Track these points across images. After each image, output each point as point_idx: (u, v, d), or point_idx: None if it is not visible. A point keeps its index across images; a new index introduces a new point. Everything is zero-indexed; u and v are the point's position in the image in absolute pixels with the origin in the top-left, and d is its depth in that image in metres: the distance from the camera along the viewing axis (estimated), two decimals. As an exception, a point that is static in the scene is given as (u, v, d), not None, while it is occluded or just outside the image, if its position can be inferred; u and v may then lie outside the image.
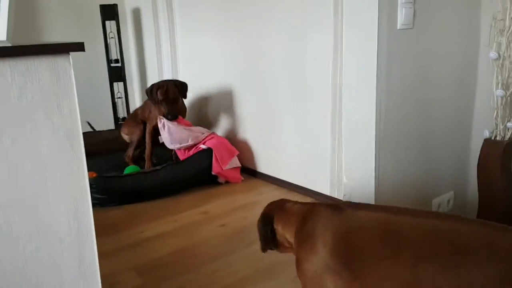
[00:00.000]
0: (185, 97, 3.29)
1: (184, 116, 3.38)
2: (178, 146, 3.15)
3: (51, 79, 1.07)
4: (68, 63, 1.08)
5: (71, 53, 1.09)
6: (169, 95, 3.09)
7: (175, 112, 3.15)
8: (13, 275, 1.10)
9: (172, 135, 3.14)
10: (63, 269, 1.17)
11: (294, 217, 1.27)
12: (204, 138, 3.18)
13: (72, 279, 1.19)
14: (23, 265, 1.11)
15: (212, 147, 3.09)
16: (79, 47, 1.07)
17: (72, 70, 1.09)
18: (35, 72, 1.06)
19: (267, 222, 1.33)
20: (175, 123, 3.14)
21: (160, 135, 3.29)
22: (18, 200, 1.08)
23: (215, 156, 3.05)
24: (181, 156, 3.23)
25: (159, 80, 3.32)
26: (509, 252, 0.80)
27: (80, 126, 1.14)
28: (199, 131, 3.23)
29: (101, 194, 2.75)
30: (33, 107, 1.06)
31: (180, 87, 3.19)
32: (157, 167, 3.04)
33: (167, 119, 3.13)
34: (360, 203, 1.21)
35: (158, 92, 3.10)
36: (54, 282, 1.16)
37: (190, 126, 3.26)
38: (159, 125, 3.18)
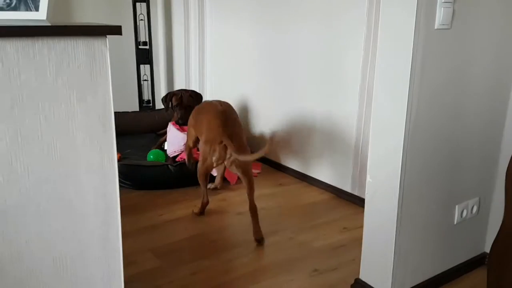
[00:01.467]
0: None
1: None
2: (173, 154, 3.14)
3: (87, 60, 1.08)
4: (104, 45, 1.09)
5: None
6: (183, 101, 3.21)
7: (187, 118, 3.19)
8: (39, 247, 1.13)
9: (170, 144, 3.14)
10: (87, 247, 1.19)
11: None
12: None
13: (95, 257, 1.21)
14: (48, 240, 1.14)
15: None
16: (116, 30, 1.07)
17: (108, 53, 1.09)
18: (72, 53, 1.07)
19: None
20: (177, 131, 3.13)
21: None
22: (48, 177, 1.10)
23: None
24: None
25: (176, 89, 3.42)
26: (214, 109, 2.27)
27: (112, 109, 1.15)
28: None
29: (126, 180, 2.79)
30: (68, 87, 1.08)
31: (194, 97, 3.28)
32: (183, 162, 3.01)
33: (178, 124, 3.19)
34: (214, 100, 2.51)
35: (173, 99, 3.23)
36: (78, 260, 1.19)
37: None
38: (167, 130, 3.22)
